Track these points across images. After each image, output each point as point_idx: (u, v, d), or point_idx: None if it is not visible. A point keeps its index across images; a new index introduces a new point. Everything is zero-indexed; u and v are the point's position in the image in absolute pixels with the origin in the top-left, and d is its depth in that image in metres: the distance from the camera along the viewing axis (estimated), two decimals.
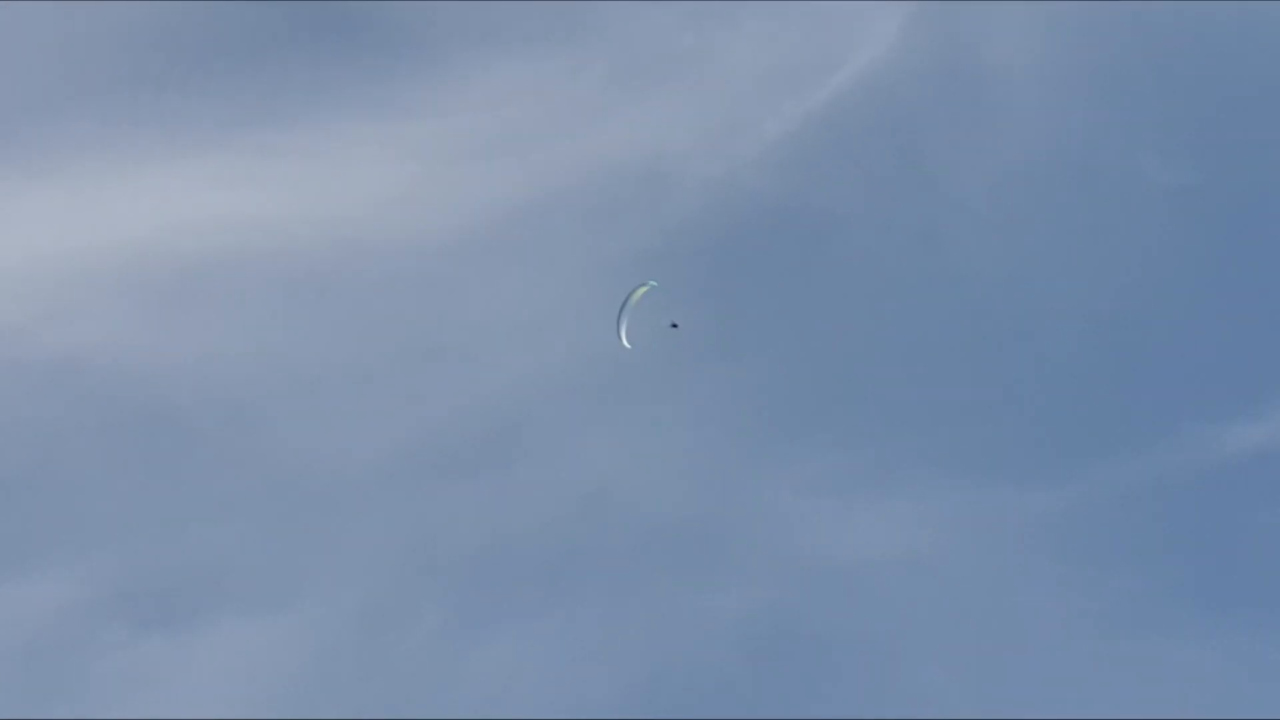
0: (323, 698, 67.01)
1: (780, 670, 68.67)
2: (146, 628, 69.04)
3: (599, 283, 78.70)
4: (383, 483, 73.46)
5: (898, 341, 78.46)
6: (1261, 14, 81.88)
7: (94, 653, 68.07)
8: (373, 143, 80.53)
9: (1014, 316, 79.01)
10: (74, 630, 68.45)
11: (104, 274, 76.74)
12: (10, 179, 78.26)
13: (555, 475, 74.01)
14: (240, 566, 70.98)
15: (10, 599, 68.80)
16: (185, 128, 79.76)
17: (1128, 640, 69.50)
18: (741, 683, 68.36)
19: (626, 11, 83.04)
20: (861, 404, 77.17)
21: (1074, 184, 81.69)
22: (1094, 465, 73.81)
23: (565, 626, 70.04)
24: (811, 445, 75.46)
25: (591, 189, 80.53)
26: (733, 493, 73.96)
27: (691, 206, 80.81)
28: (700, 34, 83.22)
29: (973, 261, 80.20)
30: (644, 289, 61.23)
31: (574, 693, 67.44)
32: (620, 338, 61.36)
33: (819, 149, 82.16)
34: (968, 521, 72.64)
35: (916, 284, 79.81)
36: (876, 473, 74.29)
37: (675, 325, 62.00)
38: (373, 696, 67.33)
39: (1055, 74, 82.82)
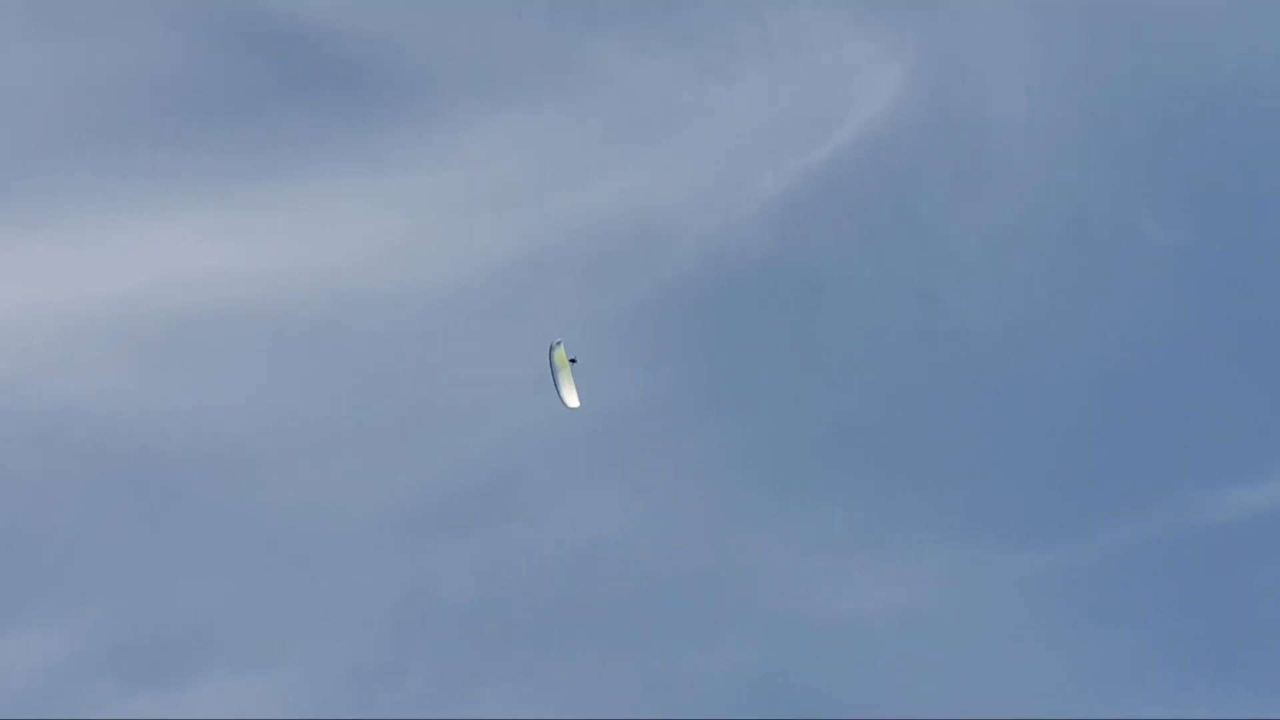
0: None
1: None
2: (137, 683, 68.88)
3: (595, 337, 78.56)
4: (375, 538, 73.39)
5: (895, 399, 78.36)
6: (1260, 74, 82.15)
7: (84, 708, 67.82)
8: (367, 196, 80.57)
9: (1011, 375, 78.92)
10: (64, 685, 68.30)
11: (97, 326, 76.70)
12: (3, 230, 78.25)
13: (549, 532, 73.94)
14: (231, 622, 70.83)
15: (0, 652, 68.61)
16: (179, 180, 79.79)
17: (1123, 702, 69.36)
18: None
19: (623, 66, 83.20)
20: (858, 462, 77.00)
21: (1072, 242, 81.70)
22: (1091, 527, 73.70)
23: (558, 684, 69.96)
24: (807, 503, 75.34)
25: (587, 244, 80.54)
26: (728, 550, 73.89)
27: (688, 262, 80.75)
28: (698, 89, 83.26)
29: (970, 320, 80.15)
30: (559, 348, 61.50)
31: None
32: (563, 401, 61.57)
33: (817, 205, 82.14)
34: (964, 581, 72.54)
35: (914, 342, 79.72)
36: (872, 531, 74.17)
37: (574, 360, 62.16)
38: None
39: (1054, 132, 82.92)
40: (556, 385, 61.67)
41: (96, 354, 76.15)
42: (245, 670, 69.46)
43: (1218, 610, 71.89)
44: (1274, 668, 70.02)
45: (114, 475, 73.81)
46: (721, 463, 76.65)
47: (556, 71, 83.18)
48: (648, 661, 70.48)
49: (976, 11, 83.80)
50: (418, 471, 75.12)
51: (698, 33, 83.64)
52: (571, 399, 61.94)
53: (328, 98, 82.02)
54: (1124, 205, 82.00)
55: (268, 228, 79.48)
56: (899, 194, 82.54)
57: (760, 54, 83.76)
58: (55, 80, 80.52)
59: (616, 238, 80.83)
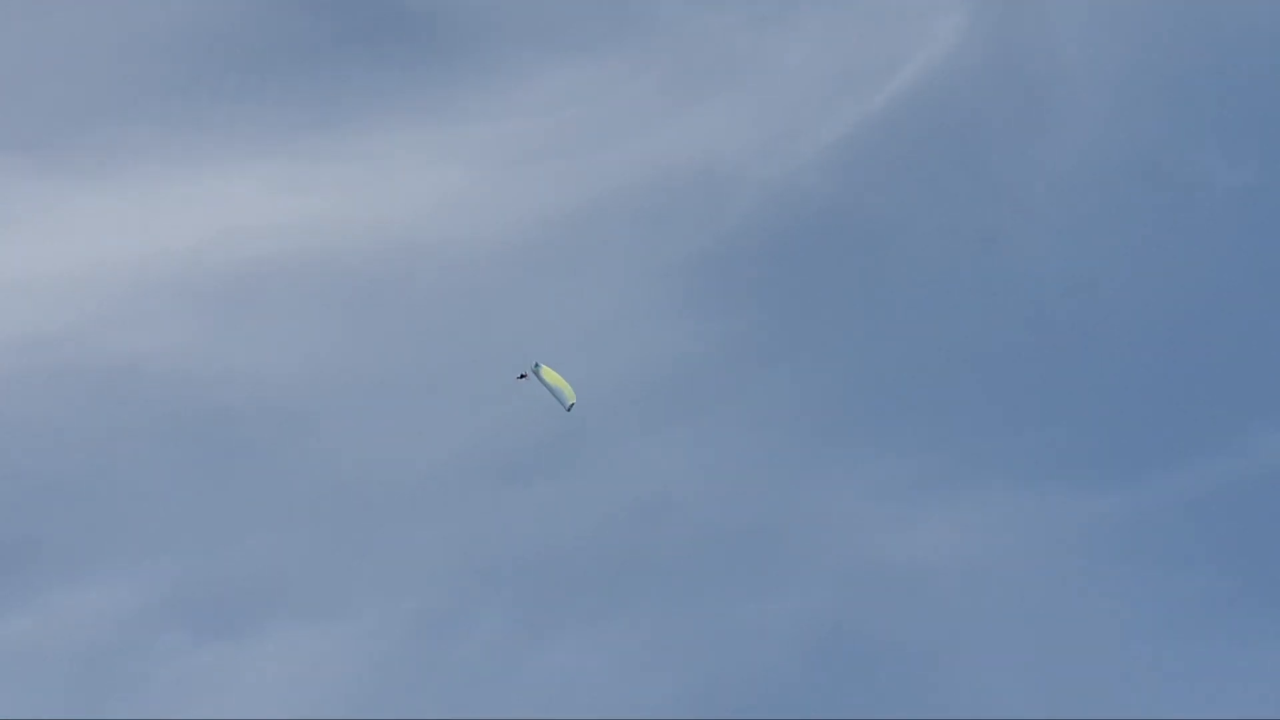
0: (380, 702, 67.07)
1: (840, 674, 68.36)
2: (206, 633, 69.15)
3: (656, 286, 78.66)
4: (440, 488, 73.42)
5: (959, 345, 78.07)
6: None
7: (155, 658, 68.21)
8: (429, 147, 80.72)
9: (1077, 319, 78.50)
10: (135, 635, 68.63)
11: (162, 279, 77.04)
12: (71, 185, 78.61)
13: (614, 481, 73.84)
14: (299, 572, 71.00)
15: (73, 604, 69.03)
16: (243, 134, 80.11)
17: (1192, 643, 68.93)
18: (801, 686, 68.03)
19: (683, 15, 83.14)
20: (923, 408, 76.78)
21: (1137, 185, 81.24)
22: (1159, 470, 73.28)
23: (624, 631, 69.86)
24: (873, 450, 75.11)
25: (648, 192, 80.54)
26: (793, 497, 73.65)
27: (749, 209, 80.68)
28: (758, 37, 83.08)
29: (1034, 264, 79.83)
30: (541, 370, 61.86)
31: (632, 697, 67.21)
32: (563, 404, 61.93)
33: (877, 151, 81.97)
34: (1031, 526, 72.21)
35: (978, 287, 79.42)
36: (939, 477, 73.88)
37: (523, 376, 62.35)
38: (430, 701, 67.27)
39: (1118, 75, 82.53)
40: (555, 395, 62.06)
41: (161, 307, 76.63)
42: (312, 620, 69.66)
43: None
44: None
45: (180, 427, 74.10)
46: (786, 410, 76.60)
47: (617, 22, 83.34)
48: (714, 609, 70.35)
49: None
50: (483, 422, 75.20)
51: None
52: (569, 397, 62.21)
53: (389, 50, 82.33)
54: (1190, 146, 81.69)
55: (330, 179, 79.81)
56: (960, 138, 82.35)
57: (819, 1, 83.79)
58: (117, 34, 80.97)
59: (677, 186, 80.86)
